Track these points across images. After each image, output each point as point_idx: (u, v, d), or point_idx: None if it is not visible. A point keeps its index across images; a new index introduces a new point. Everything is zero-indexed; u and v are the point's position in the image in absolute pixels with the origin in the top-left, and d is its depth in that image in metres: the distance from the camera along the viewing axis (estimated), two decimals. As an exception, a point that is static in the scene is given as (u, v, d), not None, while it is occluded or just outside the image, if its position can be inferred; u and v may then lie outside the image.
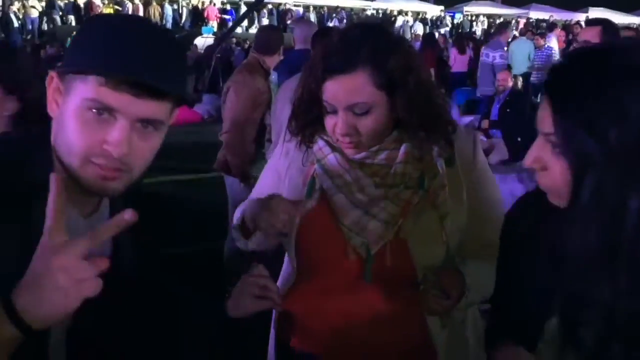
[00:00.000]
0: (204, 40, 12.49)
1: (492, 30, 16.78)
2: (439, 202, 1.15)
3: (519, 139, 4.88)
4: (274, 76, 3.10)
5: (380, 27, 1.14)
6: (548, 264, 0.87)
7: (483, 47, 7.85)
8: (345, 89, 1.08)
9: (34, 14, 15.28)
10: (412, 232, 1.14)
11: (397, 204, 1.14)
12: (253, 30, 13.55)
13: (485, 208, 1.21)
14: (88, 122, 0.78)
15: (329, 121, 1.13)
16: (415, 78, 1.09)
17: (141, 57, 0.77)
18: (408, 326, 1.18)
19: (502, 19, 20.93)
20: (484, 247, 1.19)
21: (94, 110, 0.78)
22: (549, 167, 0.79)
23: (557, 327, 0.82)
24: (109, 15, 0.83)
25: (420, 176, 1.16)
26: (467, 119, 5.77)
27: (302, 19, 7.29)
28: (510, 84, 5.31)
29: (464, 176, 1.18)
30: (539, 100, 5.80)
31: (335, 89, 1.09)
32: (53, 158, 0.83)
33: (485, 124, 5.29)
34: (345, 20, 18.50)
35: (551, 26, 10.65)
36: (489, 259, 1.18)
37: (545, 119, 0.78)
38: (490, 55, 7.18)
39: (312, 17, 16.98)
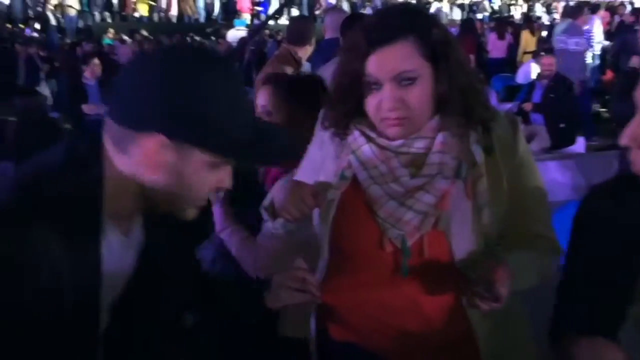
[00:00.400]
0: (236, 33, 12.56)
1: (531, 14, 16.27)
2: (477, 192, 1.11)
3: (562, 125, 4.74)
4: (307, 67, 3.08)
5: (416, 5, 1.16)
6: (635, 250, 0.81)
7: (559, 34, 7.02)
8: (392, 58, 1.07)
9: (72, 12, 15.66)
10: (450, 224, 1.11)
11: (433, 194, 1.11)
12: (282, 21, 13.52)
13: (527, 198, 1.16)
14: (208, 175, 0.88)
15: (372, 100, 1.10)
16: (455, 54, 1.09)
17: (256, 139, 0.88)
18: (448, 318, 1.16)
19: (542, 1, 20.26)
20: (525, 237, 1.15)
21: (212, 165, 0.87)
22: None
23: None
24: (204, 65, 0.81)
25: (457, 166, 1.12)
26: (506, 106, 5.63)
27: (334, 8, 7.25)
28: (555, 69, 5.16)
29: (504, 165, 1.14)
30: (575, 83, 5.60)
31: (380, 61, 1.07)
32: (102, 175, 0.83)
33: (528, 106, 5.15)
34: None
35: (594, 8, 10.17)
36: (530, 249, 1.14)
37: None
38: (566, 42, 6.61)
39: (345, 6, 16.80)
